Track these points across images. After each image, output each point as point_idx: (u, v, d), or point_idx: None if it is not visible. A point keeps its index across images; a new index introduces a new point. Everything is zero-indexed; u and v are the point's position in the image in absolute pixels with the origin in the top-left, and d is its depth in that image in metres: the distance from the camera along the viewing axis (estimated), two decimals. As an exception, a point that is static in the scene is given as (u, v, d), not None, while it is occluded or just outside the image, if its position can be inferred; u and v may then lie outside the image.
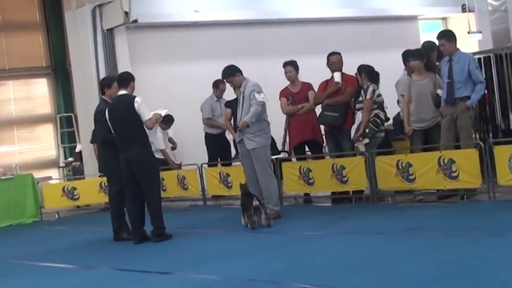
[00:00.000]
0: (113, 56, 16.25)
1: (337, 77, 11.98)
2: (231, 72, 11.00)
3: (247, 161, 11.01)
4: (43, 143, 19.88)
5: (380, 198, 11.65)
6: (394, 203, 11.45)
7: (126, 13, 15.46)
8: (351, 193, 12.16)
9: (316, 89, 12.40)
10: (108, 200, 11.25)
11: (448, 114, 10.74)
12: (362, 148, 11.47)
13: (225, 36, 17.44)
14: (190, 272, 7.85)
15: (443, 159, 10.59)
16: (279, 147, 13.18)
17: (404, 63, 11.76)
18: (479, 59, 12.43)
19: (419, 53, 11.48)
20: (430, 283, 6.12)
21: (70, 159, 18.90)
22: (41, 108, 19.89)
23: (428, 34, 18.63)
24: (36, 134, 19.83)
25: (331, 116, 11.99)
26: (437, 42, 11.16)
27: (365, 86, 11.52)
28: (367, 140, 11.44)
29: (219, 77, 11.66)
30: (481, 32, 17.67)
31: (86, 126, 16.29)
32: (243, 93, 10.89)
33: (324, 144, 12.98)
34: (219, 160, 14.72)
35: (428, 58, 11.45)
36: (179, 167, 15.09)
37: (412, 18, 20.50)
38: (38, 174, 16.54)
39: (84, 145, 16.77)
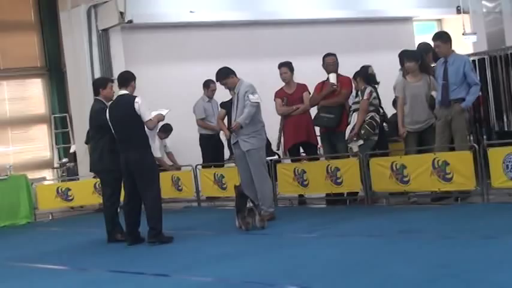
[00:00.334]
0: (108, 57, 16.24)
1: (332, 78, 12.00)
2: (225, 74, 10.98)
3: (241, 162, 10.99)
4: (37, 143, 19.83)
5: (374, 200, 11.66)
6: (388, 205, 11.46)
7: (121, 13, 15.45)
8: (345, 195, 12.16)
9: (311, 90, 12.41)
10: (102, 201, 11.18)
11: (443, 116, 10.74)
12: (356, 149, 11.47)
13: (220, 37, 17.45)
14: (184, 274, 7.84)
15: (438, 161, 10.60)
16: (274, 148, 13.17)
17: (401, 64, 11.75)
18: (473, 60, 12.45)
19: (413, 55, 11.49)
20: (424, 285, 6.12)
21: (64, 160, 18.86)
22: (35, 109, 19.85)
23: (423, 35, 18.67)
24: (30, 134, 19.78)
25: (327, 117, 12.01)
26: (432, 44, 11.16)
27: (362, 87, 11.53)
28: (361, 142, 11.44)
29: (214, 77, 11.63)
30: (475, 34, 17.67)
31: (80, 127, 16.27)
32: (237, 94, 10.88)
33: (318, 146, 12.99)
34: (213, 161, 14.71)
35: (422, 60, 11.45)
36: (178, 168, 15.10)
37: (407, 20, 20.51)
38: (32, 175, 16.51)
39: (79, 146, 16.75)
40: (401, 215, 10.34)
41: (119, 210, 10.78)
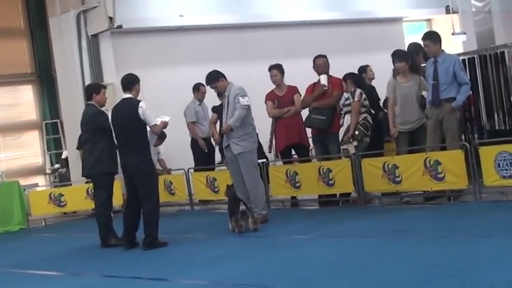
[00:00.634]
0: (98, 62, 16.24)
1: (323, 79, 12.02)
2: (215, 78, 10.99)
3: (233, 165, 11.00)
4: (29, 149, 19.78)
5: (367, 200, 11.68)
6: (381, 205, 11.48)
7: (111, 18, 15.45)
8: (337, 196, 12.18)
9: (302, 93, 12.42)
10: (94, 206, 11.15)
11: (434, 115, 10.77)
12: (352, 150, 11.48)
13: (210, 40, 17.47)
14: (179, 277, 7.84)
15: (429, 160, 10.63)
16: (266, 150, 13.18)
17: (394, 63, 11.76)
18: (463, 60, 12.48)
19: (404, 55, 11.52)
20: (417, 285, 6.13)
21: (56, 165, 18.83)
22: (26, 115, 19.80)
23: (413, 36, 18.72)
24: (22, 140, 19.73)
25: (318, 119, 12.02)
26: (422, 44, 11.19)
27: (352, 89, 11.56)
28: (356, 143, 11.46)
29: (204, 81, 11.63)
30: (465, 33, 17.75)
31: (72, 132, 16.24)
32: (228, 97, 10.88)
33: (310, 148, 13.01)
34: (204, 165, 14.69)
35: (413, 60, 11.48)
36: (168, 172, 15.07)
37: (397, 20, 20.58)
38: (24, 182, 16.49)
39: (71, 151, 16.72)
40: (394, 215, 10.35)
41: (112, 215, 10.78)
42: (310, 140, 12.75)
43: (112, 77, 15.88)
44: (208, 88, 11.83)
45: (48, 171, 19.40)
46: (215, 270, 7.97)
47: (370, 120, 11.56)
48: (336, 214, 11.26)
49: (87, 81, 15.65)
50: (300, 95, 12.41)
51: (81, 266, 9.53)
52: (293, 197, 12.84)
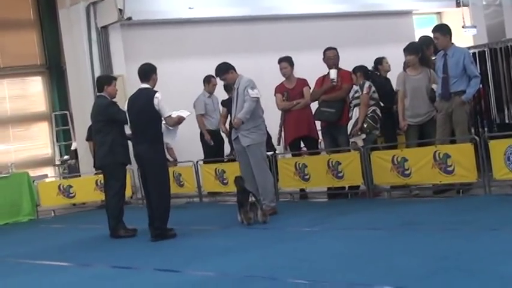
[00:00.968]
0: (108, 54, 16.25)
1: (333, 74, 11.98)
2: (225, 70, 10.98)
3: (242, 158, 11.00)
4: (38, 141, 19.87)
5: (376, 193, 11.67)
6: (389, 198, 11.47)
7: (120, 10, 15.46)
8: (346, 188, 12.17)
9: (311, 85, 12.41)
10: (105, 197, 11.17)
11: (443, 108, 10.74)
12: (361, 143, 11.47)
13: (220, 32, 17.45)
14: (187, 268, 7.84)
15: (439, 153, 10.60)
16: (275, 143, 13.18)
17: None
18: (474, 53, 12.44)
19: (414, 48, 11.48)
20: (427, 277, 6.12)
21: (66, 157, 18.89)
22: (36, 107, 19.88)
23: (423, 29, 18.64)
24: (31, 132, 19.82)
25: (328, 111, 12.00)
26: (432, 37, 11.15)
27: (361, 82, 11.55)
28: (364, 135, 11.45)
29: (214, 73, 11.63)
30: (475, 27, 17.64)
31: (81, 124, 16.28)
32: (237, 89, 10.88)
33: (319, 140, 12.99)
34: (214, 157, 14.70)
35: (423, 53, 11.45)
36: (175, 163, 15.07)
37: (407, 13, 20.51)
38: (33, 173, 16.52)
39: (80, 143, 16.77)
40: (403, 208, 10.34)
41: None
42: (320, 133, 12.72)
43: (121, 69, 15.91)
44: (218, 80, 11.82)
45: (57, 163, 19.46)
46: (224, 261, 7.98)
47: (379, 113, 11.53)
48: (345, 207, 11.25)
49: (97, 73, 15.68)
50: (310, 88, 12.39)
51: (90, 256, 9.55)
52: (302, 190, 12.83)
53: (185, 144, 15.49)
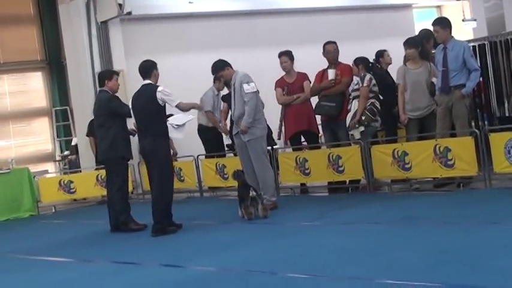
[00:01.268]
0: (108, 49, 16.24)
1: (331, 74, 11.95)
2: (221, 67, 10.98)
3: (243, 152, 11.00)
4: (39, 136, 19.89)
5: (376, 187, 11.67)
6: (390, 192, 11.47)
7: (120, 5, 15.43)
8: (347, 183, 12.17)
9: (311, 79, 12.40)
10: (107, 192, 11.16)
11: (443, 102, 10.73)
12: (358, 136, 11.48)
13: (220, 27, 17.44)
14: (188, 263, 7.85)
15: (439, 147, 10.60)
16: (275, 137, 13.17)
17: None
18: (474, 46, 12.44)
19: (414, 42, 11.47)
20: (427, 271, 6.12)
21: (66, 152, 18.90)
22: (36, 102, 19.89)
23: (423, 22, 18.63)
24: (31, 128, 19.83)
25: (328, 106, 11.99)
26: (432, 30, 11.14)
27: (362, 74, 11.55)
28: (362, 128, 11.45)
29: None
30: (475, 20, 17.61)
31: (81, 119, 16.28)
32: (234, 85, 10.86)
33: (319, 134, 12.99)
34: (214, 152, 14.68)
35: (423, 46, 11.43)
36: (175, 157, 15.06)
37: (407, 7, 20.50)
38: (34, 168, 16.55)
39: (80, 138, 16.76)
40: (404, 202, 10.34)
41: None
42: (320, 127, 12.72)
43: (122, 64, 15.91)
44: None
45: (57, 158, 19.47)
46: (224, 256, 7.98)
47: (378, 106, 11.54)
48: (346, 201, 11.26)
49: (97, 68, 15.67)
50: (310, 82, 12.38)
51: (91, 252, 9.56)
52: (302, 184, 12.83)
53: (185, 139, 15.48)
